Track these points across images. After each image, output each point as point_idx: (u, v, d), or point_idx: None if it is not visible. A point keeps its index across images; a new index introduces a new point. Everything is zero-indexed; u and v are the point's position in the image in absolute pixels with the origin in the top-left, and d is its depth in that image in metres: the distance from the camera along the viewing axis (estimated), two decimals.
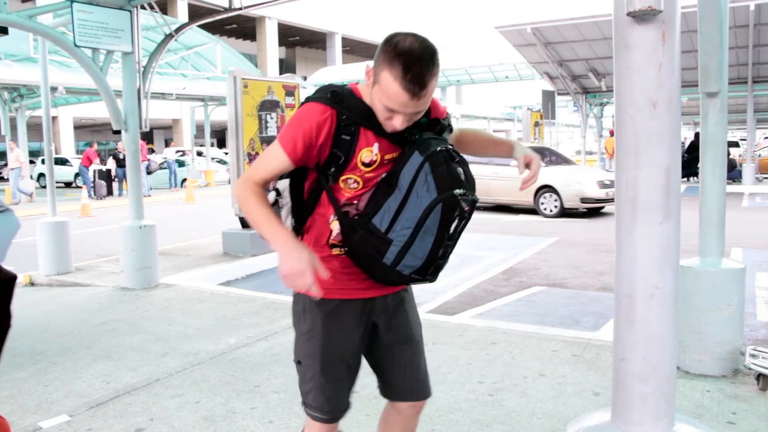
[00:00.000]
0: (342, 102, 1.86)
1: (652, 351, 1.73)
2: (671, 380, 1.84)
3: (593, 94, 22.31)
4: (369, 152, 1.88)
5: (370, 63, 1.84)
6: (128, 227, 6.78)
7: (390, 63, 1.73)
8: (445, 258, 1.93)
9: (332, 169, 1.89)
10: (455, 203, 1.82)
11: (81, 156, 25.69)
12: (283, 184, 2.02)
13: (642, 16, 1.71)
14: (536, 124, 21.89)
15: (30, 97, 19.42)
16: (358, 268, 1.95)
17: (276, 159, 1.88)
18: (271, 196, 2.08)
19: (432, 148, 1.85)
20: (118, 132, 6.94)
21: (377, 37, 48.30)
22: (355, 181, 1.90)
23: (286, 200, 2.03)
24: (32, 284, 7.55)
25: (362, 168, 1.89)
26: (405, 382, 2.16)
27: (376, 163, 1.90)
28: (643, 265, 1.77)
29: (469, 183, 1.88)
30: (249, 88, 8.12)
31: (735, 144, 29.24)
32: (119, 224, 6.89)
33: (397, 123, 1.81)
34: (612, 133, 27.74)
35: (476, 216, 13.36)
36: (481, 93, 50.65)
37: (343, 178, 1.90)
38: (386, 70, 1.74)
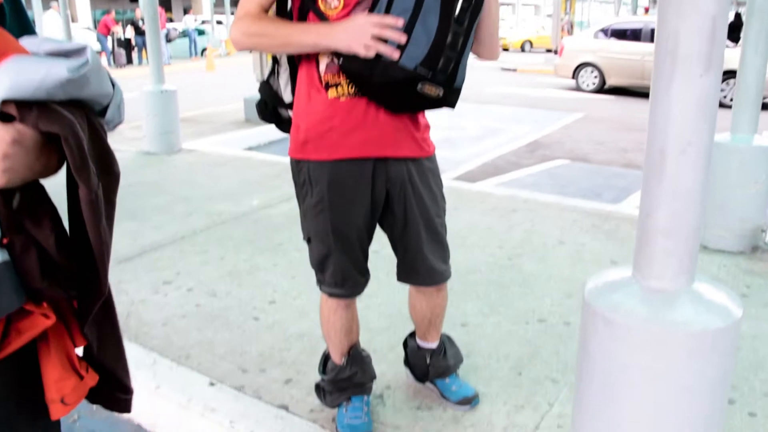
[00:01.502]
0: None
1: (679, 207, 1.70)
2: (696, 237, 1.81)
3: None
4: None
5: None
6: (149, 92, 6.70)
7: None
8: (454, 49, 1.71)
9: None
10: None
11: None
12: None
13: None
14: None
15: None
16: (356, 85, 1.75)
17: None
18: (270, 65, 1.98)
19: None
20: (135, 0, 6.72)
21: None
22: None
23: (284, 66, 1.92)
24: None
25: None
26: (413, 264, 2.03)
27: None
28: (679, 119, 1.71)
29: None
30: None
31: None
32: (141, 90, 6.82)
33: None
34: (647, 10, 26.45)
35: (501, 90, 13.13)
36: None
37: None
38: None
